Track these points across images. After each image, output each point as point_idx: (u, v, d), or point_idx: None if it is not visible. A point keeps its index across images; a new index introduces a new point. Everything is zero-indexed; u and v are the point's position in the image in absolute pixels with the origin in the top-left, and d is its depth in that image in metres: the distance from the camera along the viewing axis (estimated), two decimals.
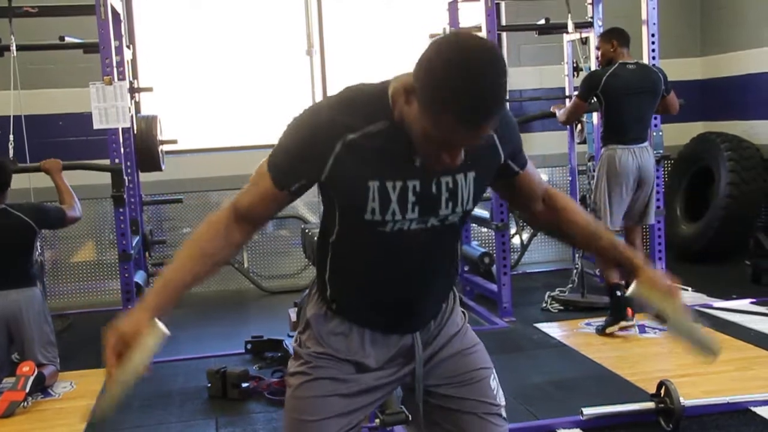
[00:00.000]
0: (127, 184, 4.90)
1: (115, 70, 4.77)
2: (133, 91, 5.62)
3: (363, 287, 1.73)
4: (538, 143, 6.91)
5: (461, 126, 1.41)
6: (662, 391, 3.36)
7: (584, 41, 6.05)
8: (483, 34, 5.13)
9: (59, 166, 4.62)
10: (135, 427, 3.77)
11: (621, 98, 4.78)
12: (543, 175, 6.67)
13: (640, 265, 1.80)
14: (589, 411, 3.38)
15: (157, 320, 1.62)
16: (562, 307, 5.38)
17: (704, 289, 5.63)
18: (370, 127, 1.56)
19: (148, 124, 5.64)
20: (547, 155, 6.90)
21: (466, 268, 6.00)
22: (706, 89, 7.28)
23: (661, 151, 5.16)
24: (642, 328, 4.80)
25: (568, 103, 6.16)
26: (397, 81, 1.56)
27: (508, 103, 6.70)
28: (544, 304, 5.44)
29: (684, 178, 6.90)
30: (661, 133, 5.24)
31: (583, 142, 6.10)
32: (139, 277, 5.32)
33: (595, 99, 4.91)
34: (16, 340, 4.21)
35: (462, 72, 1.37)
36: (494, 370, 1.83)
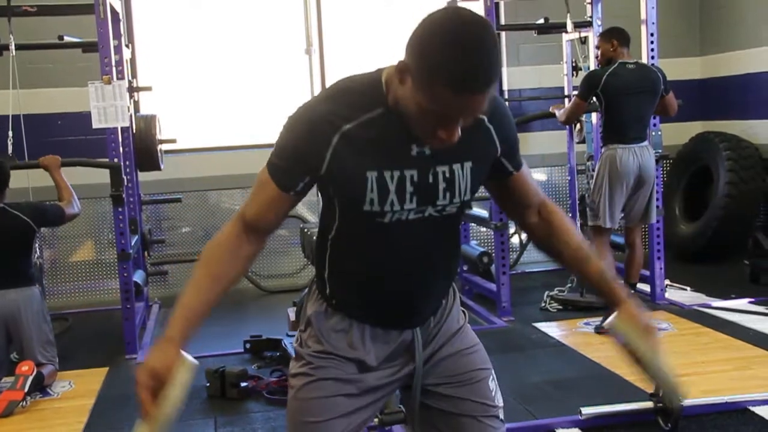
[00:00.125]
0: (125, 183, 4.90)
1: (114, 69, 4.77)
2: (132, 90, 5.62)
3: (362, 282, 1.72)
4: (537, 143, 6.92)
5: (455, 95, 1.41)
6: (661, 391, 3.36)
7: (583, 41, 6.05)
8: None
9: (58, 163, 4.63)
10: (134, 426, 3.76)
11: (621, 98, 4.78)
12: (542, 175, 6.71)
13: (623, 299, 1.78)
14: (587, 410, 3.38)
15: (183, 352, 1.60)
16: (560, 307, 5.38)
17: (703, 288, 5.64)
18: (365, 116, 1.57)
19: (147, 123, 5.64)
20: (546, 155, 6.91)
21: (465, 268, 6.00)
22: (705, 89, 7.28)
23: (660, 151, 5.15)
24: None
25: (567, 102, 6.17)
26: (390, 67, 1.56)
27: (507, 103, 6.75)
28: (543, 304, 5.44)
29: (683, 178, 6.91)
30: (660, 133, 5.24)
31: (582, 141, 6.10)
32: (138, 276, 5.32)
33: (594, 99, 4.92)
34: (14, 339, 4.21)
35: (454, 41, 1.39)
36: (493, 371, 1.83)
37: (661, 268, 5.40)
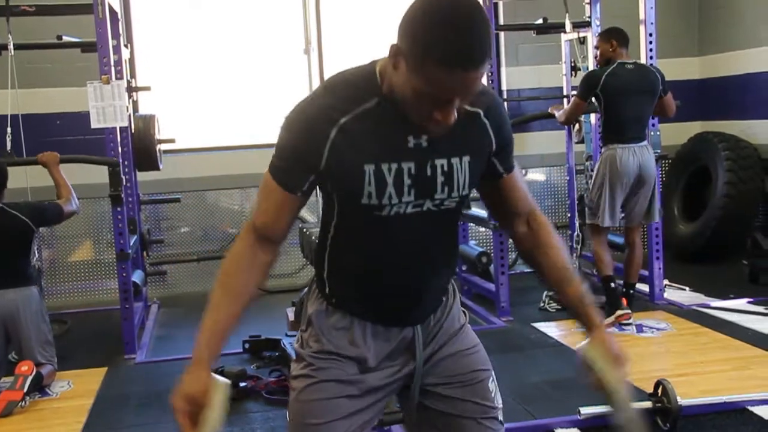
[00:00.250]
0: (124, 183, 4.90)
1: (112, 69, 4.77)
2: (130, 90, 5.61)
3: (361, 278, 1.72)
4: (536, 143, 6.92)
5: (449, 74, 1.41)
6: (659, 391, 3.36)
7: (582, 41, 6.05)
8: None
9: (56, 159, 4.62)
10: (133, 426, 3.77)
11: (620, 97, 4.78)
12: (541, 175, 6.72)
13: (597, 326, 1.77)
14: (586, 410, 3.38)
15: (214, 374, 1.62)
16: (559, 307, 5.38)
17: (702, 288, 5.65)
18: (361, 107, 1.57)
19: (146, 123, 5.64)
20: (545, 155, 6.91)
21: (463, 268, 6.00)
22: (704, 89, 7.28)
23: (659, 151, 5.16)
24: (639, 328, 4.81)
25: (565, 103, 6.17)
26: (384, 58, 1.57)
27: (506, 103, 6.75)
28: (542, 304, 5.44)
29: (681, 178, 6.91)
30: (658, 133, 5.24)
31: (581, 141, 6.10)
32: (136, 276, 5.32)
33: (593, 99, 4.92)
34: (13, 339, 4.21)
35: (445, 20, 1.40)
36: (493, 372, 1.82)
37: (660, 268, 5.40)
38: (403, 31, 1.46)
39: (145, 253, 6.01)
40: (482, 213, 5.55)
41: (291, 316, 4.43)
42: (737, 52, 6.91)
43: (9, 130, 4.90)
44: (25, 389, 3.94)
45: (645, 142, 4.88)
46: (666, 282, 5.55)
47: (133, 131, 5.52)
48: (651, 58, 5.28)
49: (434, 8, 1.41)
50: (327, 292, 1.75)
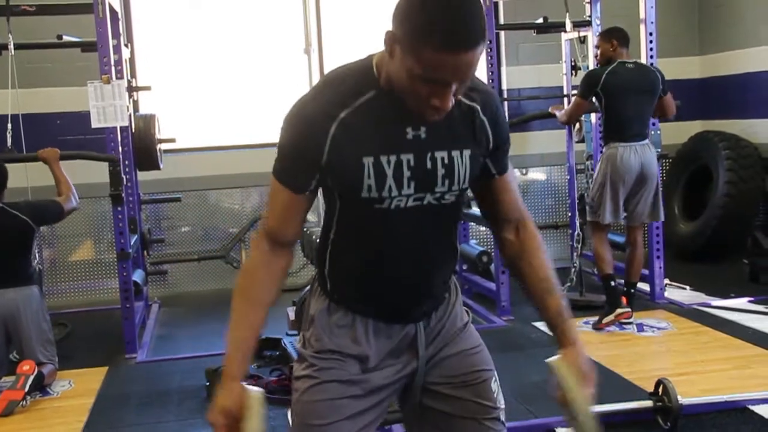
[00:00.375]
0: (125, 182, 4.90)
1: (113, 68, 4.77)
2: (131, 89, 5.62)
3: (363, 274, 1.72)
4: (537, 142, 6.92)
5: (444, 55, 1.42)
6: (660, 390, 3.36)
7: (582, 40, 6.05)
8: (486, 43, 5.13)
9: (57, 155, 4.62)
10: (133, 425, 3.77)
11: (620, 95, 4.78)
12: (541, 174, 6.71)
13: (572, 341, 1.76)
14: None
15: (246, 385, 1.63)
16: None
17: (702, 287, 5.65)
18: (359, 100, 1.57)
19: (147, 122, 5.64)
20: (545, 154, 6.91)
21: (464, 267, 6.00)
22: (705, 88, 7.28)
23: (660, 150, 5.15)
24: (640, 327, 4.81)
25: (566, 102, 6.17)
26: (380, 51, 1.58)
27: (506, 102, 6.75)
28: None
29: (682, 177, 6.91)
30: (659, 132, 5.24)
31: (582, 140, 6.10)
32: (137, 275, 5.32)
33: (594, 98, 4.92)
34: (14, 339, 4.21)
35: (439, 2, 1.41)
36: (495, 372, 1.82)
37: (660, 267, 5.40)
38: (397, 17, 1.47)
39: (145, 252, 6.01)
40: None
41: (291, 316, 4.43)
42: (737, 51, 6.90)
43: (9, 126, 4.89)
44: (26, 389, 3.94)
45: (646, 141, 4.87)
46: (667, 281, 5.55)
47: (133, 131, 5.52)
48: (651, 57, 5.28)
49: None
50: (329, 289, 1.74)
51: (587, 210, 5.11)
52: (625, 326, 4.79)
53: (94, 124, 4.70)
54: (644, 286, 5.40)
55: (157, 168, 5.78)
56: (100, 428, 3.74)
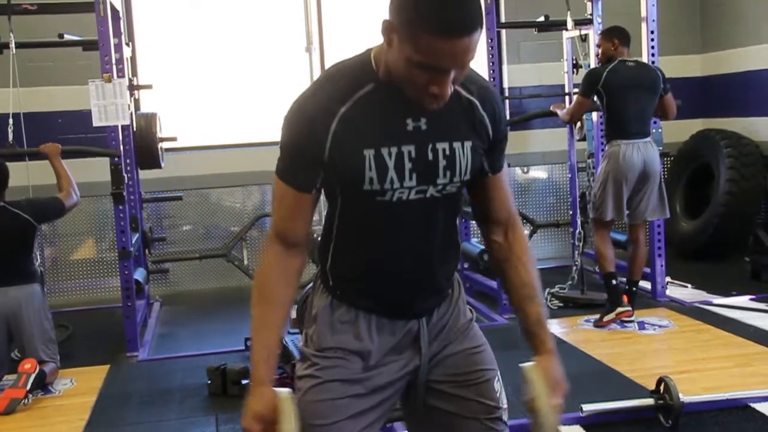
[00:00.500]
0: (126, 181, 4.91)
1: (114, 67, 4.77)
2: (132, 88, 5.62)
3: (366, 269, 1.71)
4: (538, 140, 6.92)
5: (441, 41, 1.42)
6: (661, 388, 3.36)
7: (584, 38, 6.05)
8: (482, 31, 5.13)
9: (58, 150, 4.63)
10: (135, 423, 3.78)
11: (622, 93, 4.78)
12: (543, 172, 6.70)
13: (547, 350, 1.76)
14: (588, 407, 3.38)
15: (276, 389, 1.65)
16: (561, 304, 5.39)
17: (704, 285, 5.64)
18: (358, 94, 1.58)
19: (148, 121, 5.64)
20: (546, 152, 6.91)
21: (465, 265, 6.00)
22: (706, 86, 7.27)
23: (661, 148, 5.15)
24: (641, 325, 4.81)
25: (567, 100, 6.17)
26: (378, 45, 1.58)
27: (507, 101, 6.75)
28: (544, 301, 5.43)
29: (683, 175, 6.91)
30: (660, 130, 5.24)
31: (583, 139, 6.09)
32: (138, 274, 5.32)
33: (596, 96, 4.91)
34: (16, 337, 4.21)
35: None
36: (498, 372, 1.81)
37: (662, 266, 5.40)
38: (393, 5, 1.48)
39: (147, 251, 6.01)
40: None
41: (293, 314, 4.42)
42: (739, 49, 6.90)
43: (11, 121, 4.89)
44: (28, 387, 3.94)
45: (649, 138, 4.87)
46: (668, 279, 5.54)
47: (134, 129, 5.51)
48: (653, 55, 5.27)
49: None
50: (331, 285, 1.74)
51: (589, 207, 5.11)
52: (626, 324, 4.79)
53: (96, 123, 4.71)
54: (646, 284, 5.40)
55: (159, 166, 5.78)
56: (101, 426, 3.75)
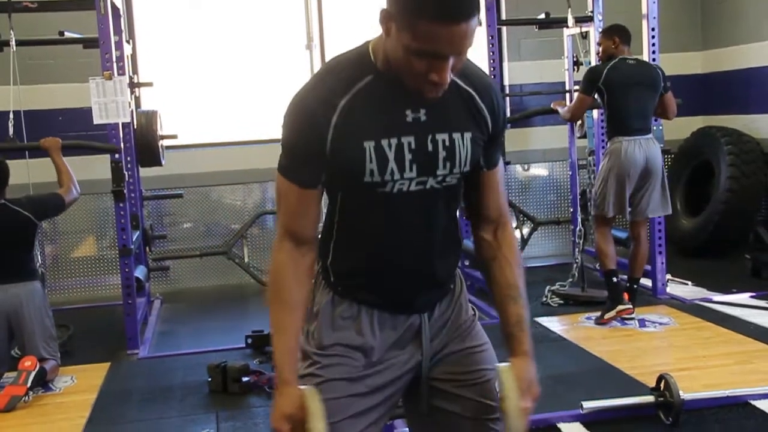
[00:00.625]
0: (127, 179, 4.90)
1: (114, 65, 4.77)
2: (133, 86, 5.62)
3: (366, 263, 1.71)
4: (539, 138, 6.92)
5: (439, 27, 1.42)
6: (662, 385, 3.36)
7: (584, 35, 6.04)
8: (483, 28, 5.13)
9: (58, 145, 4.63)
10: (136, 421, 3.78)
11: (622, 90, 4.78)
12: (543, 170, 6.68)
13: (524, 353, 1.75)
14: (589, 405, 3.38)
15: (302, 387, 1.65)
16: (562, 302, 5.38)
17: (704, 283, 5.64)
18: (357, 86, 1.58)
19: (148, 119, 5.64)
20: (547, 150, 6.91)
21: (466, 263, 5.99)
22: (707, 83, 7.27)
23: (662, 145, 5.15)
24: (642, 322, 4.81)
25: (568, 98, 6.17)
26: (376, 37, 1.58)
27: (508, 98, 6.75)
28: (544, 299, 5.44)
29: (684, 173, 6.90)
30: (661, 127, 5.24)
31: (584, 136, 6.09)
32: (139, 272, 5.32)
33: (597, 94, 4.91)
34: (16, 334, 4.22)
35: None
36: None
37: (662, 263, 5.39)
38: None
39: (147, 248, 6.01)
40: None
41: None
42: (740, 46, 6.89)
43: (11, 114, 4.88)
44: (29, 384, 3.94)
45: (650, 135, 4.86)
46: (669, 276, 5.54)
47: (135, 127, 5.52)
48: (653, 52, 5.27)
49: None
50: (332, 281, 1.74)
51: (590, 205, 5.10)
52: (626, 322, 4.79)
53: (96, 121, 4.71)
54: (646, 282, 5.40)
55: (159, 164, 5.78)
56: (102, 424, 3.75)
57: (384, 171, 1.59)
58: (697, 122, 7.07)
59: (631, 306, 4.81)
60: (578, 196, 6.03)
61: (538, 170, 7.09)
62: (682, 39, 7.20)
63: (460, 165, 1.65)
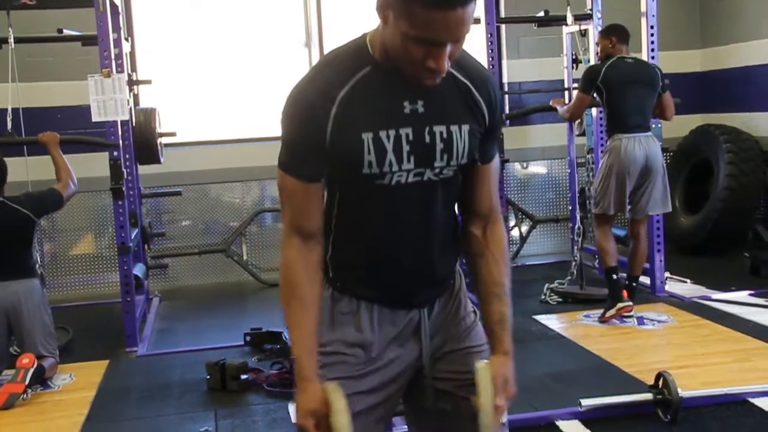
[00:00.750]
0: (125, 176, 4.90)
1: (113, 62, 4.76)
2: (131, 83, 5.61)
3: (365, 257, 1.71)
4: (538, 135, 6.92)
5: (434, 12, 1.43)
6: (660, 383, 3.36)
7: (583, 33, 6.04)
8: (482, 26, 5.13)
9: (56, 139, 4.63)
10: (134, 418, 3.78)
11: (621, 87, 4.78)
12: (542, 168, 6.68)
13: (503, 351, 1.73)
14: (587, 402, 3.39)
15: (323, 383, 1.64)
16: (560, 299, 5.38)
17: (703, 281, 5.64)
18: (355, 77, 1.58)
19: (147, 116, 5.64)
20: (546, 147, 6.91)
21: (465, 261, 5.99)
22: (706, 81, 7.27)
23: (660, 143, 5.15)
24: (641, 320, 4.81)
25: (567, 95, 6.17)
26: (373, 29, 1.59)
27: (507, 96, 6.75)
28: (543, 296, 5.44)
29: (683, 171, 6.90)
30: (660, 125, 5.23)
31: (583, 134, 6.09)
32: (138, 269, 5.32)
33: (596, 93, 4.91)
34: (15, 331, 4.22)
35: None
36: None
37: (661, 261, 5.40)
38: None
39: (146, 246, 6.01)
40: None
41: None
42: (739, 44, 6.89)
43: (9, 109, 4.87)
44: (27, 382, 3.94)
45: (650, 133, 4.86)
46: (667, 274, 5.54)
47: (134, 125, 5.52)
48: (652, 50, 5.27)
49: None
50: (331, 276, 1.74)
51: (591, 203, 5.10)
52: (625, 319, 4.79)
53: (95, 118, 4.70)
54: (645, 280, 5.40)
55: (158, 162, 5.78)
56: (100, 421, 3.75)
57: (382, 162, 1.59)
58: (695, 120, 7.07)
59: (630, 303, 4.81)
60: (577, 194, 6.03)
61: (537, 168, 7.10)
62: (681, 37, 7.21)
63: (457, 157, 1.64)
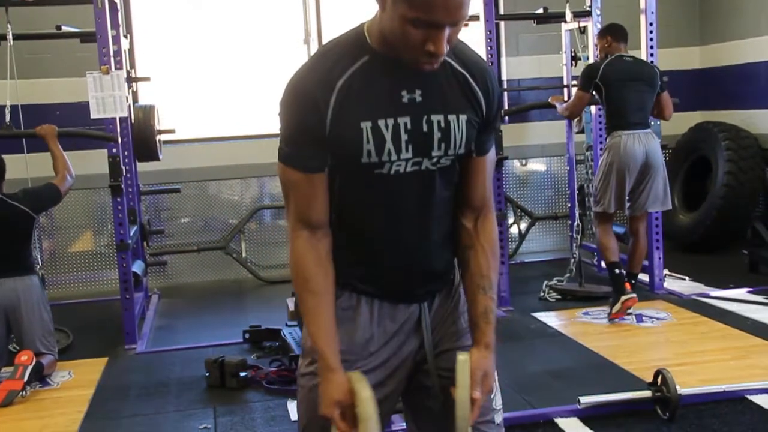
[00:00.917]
0: (124, 173, 4.90)
1: (112, 59, 4.76)
2: (130, 80, 5.61)
3: (365, 250, 1.71)
4: (537, 133, 6.92)
5: None
6: (659, 380, 3.37)
7: (582, 30, 6.04)
8: (481, 22, 5.12)
9: (54, 132, 4.63)
10: (133, 415, 3.78)
11: (620, 85, 4.79)
12: (541, 165, 6.68)
13: (485, 345, 1.71)
14: (586, 399, 3.39)
15: (348, 372, 1.64)
16: (559, 297, 5.39)
17: (701, 278, 5.65)
18: (353, 66, 1.58)
19: (146, 113, 5.63)
20: (545, 145, 6.91)
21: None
22: (705, 78, 7.27)
23: (659, 141, 5.15)
24: (639, 318, 4.81)
25: (566, 92, 6.16)
26: (370, 19, 1.59)
27: (506, 93, 6.74)
28: (542, 294, 5.44)
29: (682, 168, 6.90)
30: (659, 123, 5.24)
31: (582, 131, 6.09)
32: (136, 266, 5.32)
33: (595, 91, 4.91)
34: (14, 328, 4.21)
35: None
36: (495, 372, 1.78)
37: (660, 258, 5.40)
38: None
39: (145, 243, 6.02)
40: None
41: (291, 306, 4.43)
42: (738, 41, 6.89)
43: (8, 105, 4.87)
44: (26, 379, 3.94)
45: (649, 129, 4.86)
46: (666, 272, 5.55)
47: (132, 122, 5.51)
48: (651, 47, 5.27)
49: None
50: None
51: (591, 201, 5.10)
52: (624, 317, 4.79)
53: (93, 115, 4.70)
54: (644, 277, 5.40)
55: (157, 159, 5.78)
56: (99, 419, 3.75)
57: (381, 151, 1.59)
58: (694, 117, 7.07)
59: (634, 295, 4.78)
60: (576, 192, 6.03)
61: (536, 165, 7.09)
62: (680, 34, 7.20)
63: (455, 146, 1.64)
